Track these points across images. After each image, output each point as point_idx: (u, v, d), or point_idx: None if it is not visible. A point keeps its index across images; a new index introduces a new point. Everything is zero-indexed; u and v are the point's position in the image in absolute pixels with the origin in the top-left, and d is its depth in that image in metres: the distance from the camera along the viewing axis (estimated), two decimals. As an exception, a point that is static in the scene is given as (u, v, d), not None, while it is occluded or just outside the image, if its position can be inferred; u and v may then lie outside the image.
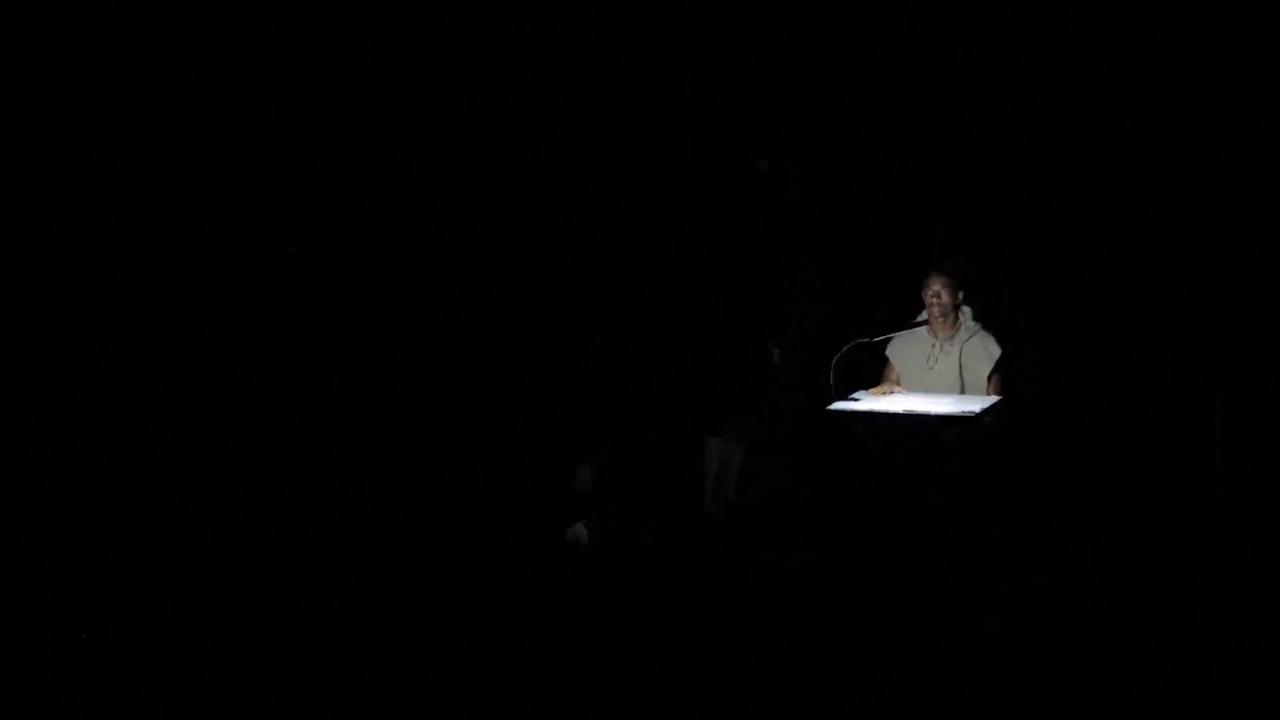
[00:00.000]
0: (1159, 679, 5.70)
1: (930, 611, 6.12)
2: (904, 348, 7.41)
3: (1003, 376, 7.24)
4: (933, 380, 7.30)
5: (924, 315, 7.33)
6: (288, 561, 7.02)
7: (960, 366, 7.27)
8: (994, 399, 7.04)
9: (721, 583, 6.60)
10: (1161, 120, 7.26)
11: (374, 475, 7.43)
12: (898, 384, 7.35)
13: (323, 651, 6.13)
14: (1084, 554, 7.04)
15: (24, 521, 6.68)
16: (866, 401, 7.10)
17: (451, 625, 6.43)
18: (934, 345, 7.32)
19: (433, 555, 7.22)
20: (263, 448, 7.20)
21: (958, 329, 7.30)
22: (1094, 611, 6.31)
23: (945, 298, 7.22)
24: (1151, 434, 7.41)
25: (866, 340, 7.31)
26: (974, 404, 6.90)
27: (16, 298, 6.67)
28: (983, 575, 6.41)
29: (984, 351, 7.25)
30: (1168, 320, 7.38)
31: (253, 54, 7.13)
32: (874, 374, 7.45)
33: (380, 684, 5.81)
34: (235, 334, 7.21)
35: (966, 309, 7.30)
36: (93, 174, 6.90)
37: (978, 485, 6.76)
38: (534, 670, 5.93)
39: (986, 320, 7.33)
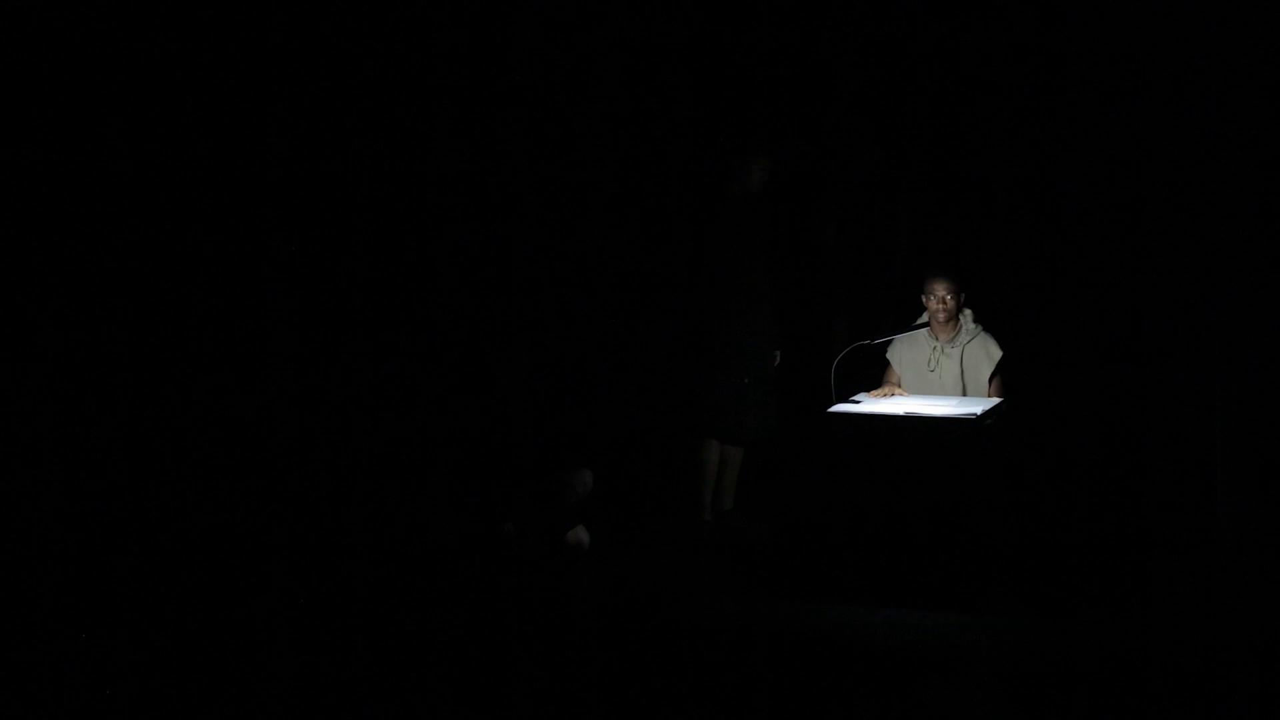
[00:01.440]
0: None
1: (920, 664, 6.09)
2: (904, 351, 7.40)
3: (1004, 378, 7.24)
4: (935, 382, 7.29)
5: (924, 318, 7.33)
6: (287, 562, 6.99)
7: (962, 369, 7.26)
8: (995, 400, 7.05)
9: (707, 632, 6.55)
10: (1164, 119, 7.26)
11: (373, 475, 7.41)
12: (898, 386, 7.34)
13: (320, 654, 6.10)
14: (1080, 564, 7.02)
15: (24, 521, 6.65)
16: (868, 403, 7.09)
17: (447, 630, 6.41)
18: (934, 348, 7.32)
19: (430, 558, 7.19)
20: (262, 447, 7.17)
21: (958, 331, 7.30)
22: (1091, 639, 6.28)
23: (951, 301, 7.22)
24: (1152, 434, 7.40)
25: (867, 343, 7.32)
26: (975, 406, 6.91)
27: (16, 297, 6.66)
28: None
29: (985, 353, 7.25)
30: (1168, 323, 7.38)
31: (251, 53, 7.13)
32: (874, 377, 7.44)
33: (378, 686, 5.78)
34: (234, 333, 7.18)
35: (967, 310, 7.30)
36: (92, 174, 6.88)
37: (979, 486, 6.78)
38: (526, 679, 5.91)
39: (987, 322, 7.33)
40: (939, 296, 7.21)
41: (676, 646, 6.28)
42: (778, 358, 7.74)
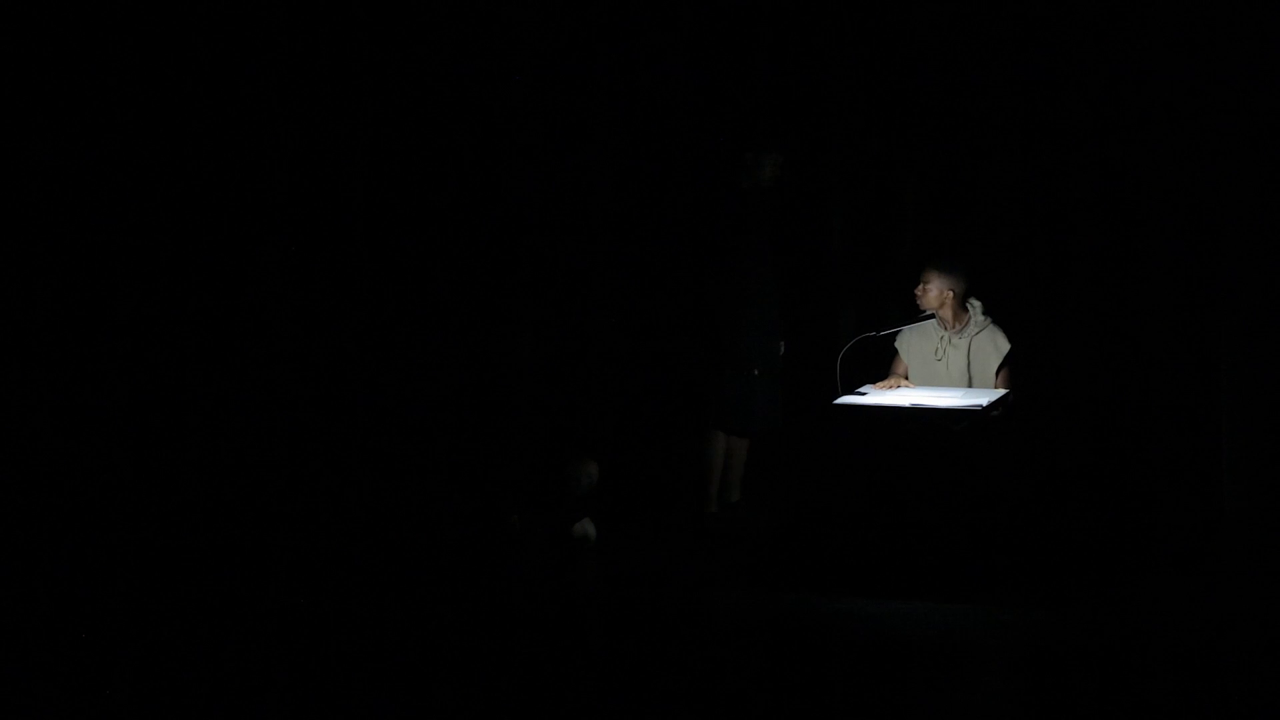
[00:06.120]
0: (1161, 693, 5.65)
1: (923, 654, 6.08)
2: (912, 340, 7.41)
3: (1011, 371, 7.22)
4: (941, 373, 7.29)
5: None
6: (289, 557, 7.00)
7: (969, 360, 7.26)
8: (1001, 392, 7.06)
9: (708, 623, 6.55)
10: (1172, 113, 7.24)
11: (377, 468, 7.42)
12: (905, 378, 7.34)
13: (323, 649, 6.10)
14: (1085, 557, 7.01)
15: (24, 521, 6.67)
16: (873, 395, 7.10)
17: (452, 623, 6.41)
18: (942, 337, 7.32)
19: (435, 551, 7.20)
20: (263, 442, 7.18)
21: (967, 322, 7.29)
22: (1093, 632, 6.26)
23: (932, 291, 7.21)
24: (1158, 426, 7.39)
25: (872, 335, 7.31)
26: (981, 397, 6.92)
27: (16, 298, 6.67)
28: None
29: (993, 345, 7.24)
30: (1175, 316, 7.36)
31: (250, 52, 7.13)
32: (881, 369, 7.43)
33: (380, 681, 5.78)
34: (235, 328, 7.20)
35: (976, 302, 7.30)
36: (92, 174, 6.89)
37: (985, 479, 6.77)
38: (531, 671, 5.90)
39: (997, 314, 7.31)
40: (919, 285, 7.24)
41: (682, 639, 6.28)
42: (783, 349, 7.73)
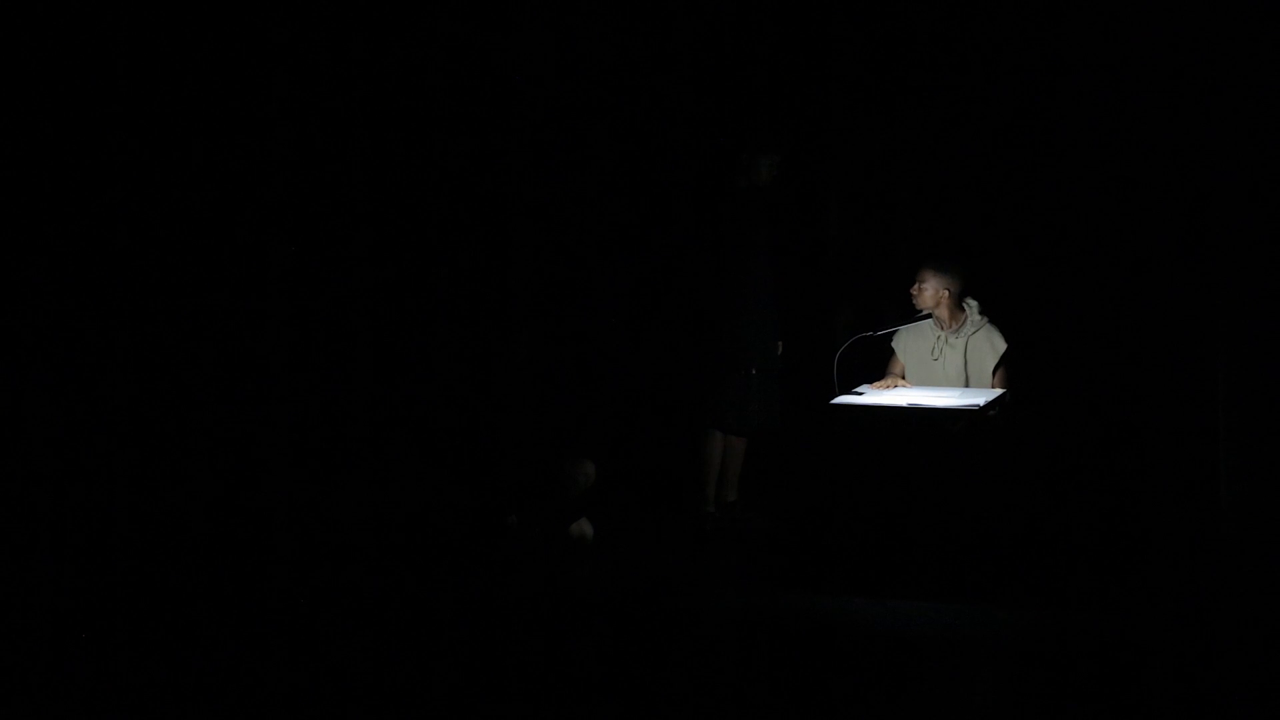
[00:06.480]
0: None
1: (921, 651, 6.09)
2: (909, 340, 7.43)
3: (1008, 370, 7.24)
4: (938, 372, 7.31)
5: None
6: (288, 558, 6.99)
7: (965, 359, 7.27)
8: (998, 392, 7.08)
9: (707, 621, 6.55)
10: (1170, 111, 7.25)
11: (376, 468, 7.41)
12: (902, 377, 7.35)
13: (322, 649, 6.10)
14: (1083, 556, 7.02)
15: (24, 521, 6.66)
16: (870, 395, 7.12)
17: (450, 623, 6.41)
18: (939, 337, 7.33)
19: (433, 551, 7.20)
20: (262, 442, 7.17)
21: (963, 322, 7.31)
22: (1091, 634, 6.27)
23: (928, 291, 7.23)
24: (1155, 426, 7.40)
25: (869, 334, 7.33)
26: (978, 397, 6.93)
27: (16, 298, 6.66)
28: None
29: (989, 345, 7.26)
30: (1172, 315, 7.38)
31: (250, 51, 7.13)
32: (878, 368, 7.44)
33: (379, 681, 5.78)
34: (234, 327, 7.19)
35: (973, 302, 7.31)
36: (91, 174, 6.88)
37: (981, 478, 6.79)
38: (529, 671, 5.91)
39: (993, 314, 7.33)
40: (915, 285, 7.26)
41: (680, 638, 6.28)
42: (780, 348, 7.74)
